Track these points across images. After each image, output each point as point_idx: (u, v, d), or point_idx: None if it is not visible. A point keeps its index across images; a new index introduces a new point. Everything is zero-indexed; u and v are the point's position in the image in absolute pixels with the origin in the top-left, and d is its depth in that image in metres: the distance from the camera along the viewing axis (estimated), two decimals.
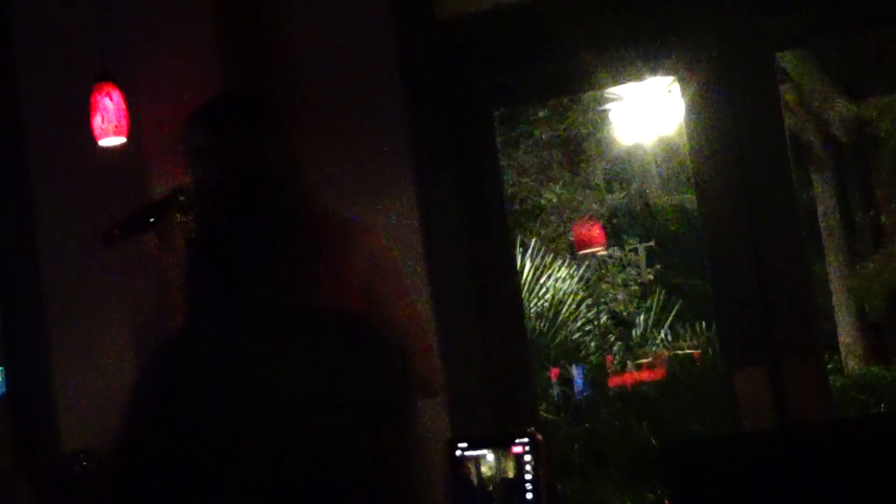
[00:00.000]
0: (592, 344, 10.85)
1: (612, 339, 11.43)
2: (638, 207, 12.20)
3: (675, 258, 12.22)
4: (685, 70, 3.89)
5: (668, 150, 10.11)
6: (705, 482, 2.56)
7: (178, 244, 2.82)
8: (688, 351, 10.95)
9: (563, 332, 10.49)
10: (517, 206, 11.49)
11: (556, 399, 9.94)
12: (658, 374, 10.37)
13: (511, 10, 3.95)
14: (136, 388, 2.12)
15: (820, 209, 10.89)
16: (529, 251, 10.52)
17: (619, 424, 8.87)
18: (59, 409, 4.12)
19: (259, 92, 3.45)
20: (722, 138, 3.81)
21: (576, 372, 10.35)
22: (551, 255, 10.82)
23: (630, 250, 12.25)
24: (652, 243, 12.22)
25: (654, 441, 8.20)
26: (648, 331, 11.58)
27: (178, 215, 2.89)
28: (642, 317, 11.74)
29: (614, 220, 12.17)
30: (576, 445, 8.63)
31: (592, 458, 8.57)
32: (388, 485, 1.97)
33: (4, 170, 4.26)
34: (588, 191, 11.78)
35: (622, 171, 11.68)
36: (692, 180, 4.05)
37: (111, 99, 3.91)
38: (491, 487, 2.64)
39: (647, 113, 8.10)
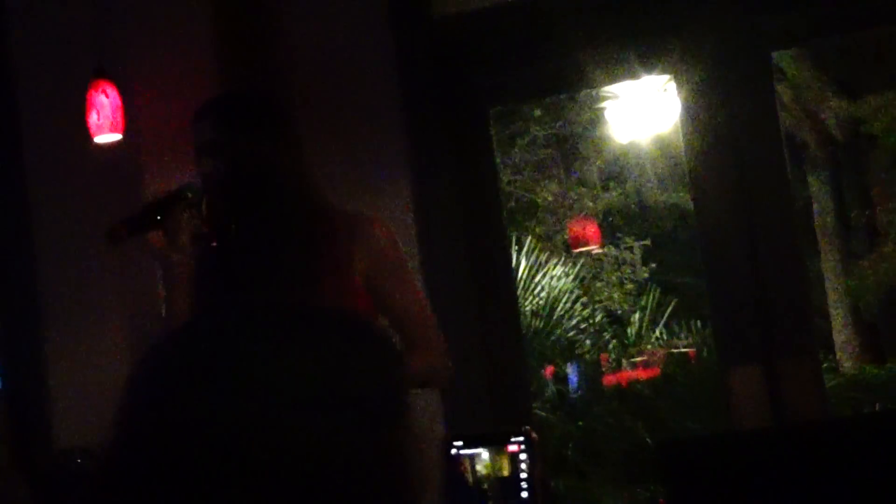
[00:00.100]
0: (588, 342, 10.85)
1: (608, 337, 11.44)
2: (633, 206, 12.20)
3: (671, 256, 12.23)
4: (681, 68, 3.89)
5: (663, 148, 10.10)
6: (701, 480, 2.57)
7: (184, 242, 2.80)
8: (683, 349, 10.97)
9: (559, 331, 10.48)
10: (512, 204, 11.49)
11: (551, 397, 9.94)
12: (653, 372, 10.37)
13: (507, 8, 3.95)
14: (131, 385, 2.11)
15: (815, 208, 10.91)
16: (525, 249, 10.51)
17: (614, 422, 8.85)
18: (55, 407, 4.13)
19: (265, 91, 3.45)
20: (718, 137, 3.82)
21: (571, 370, 10.35)
22: (546, 254, 10.80)
23: (625, 248, 12.25)
24: (647, 241, 12.22)
25: (649, 439, 8.19)
26: (644, 329, 11.60)
27: (185, 212, 2.87)
28: (637, 315, 11.76)
29: (609, 219, 12.16)
30: (571, 443, 8.61)
31: (587, 456, 8.55)
32: (386, 484, 1.98)
33: (1, 168, 4.26)
34: (583, 189, 11.78)
35: (618, 169, 11.68)
36: (688, 179, 4.05)
37: (107, 95, 3.91)
38: (486, 486, 2.65)
39: (642, 111, 8.09)
